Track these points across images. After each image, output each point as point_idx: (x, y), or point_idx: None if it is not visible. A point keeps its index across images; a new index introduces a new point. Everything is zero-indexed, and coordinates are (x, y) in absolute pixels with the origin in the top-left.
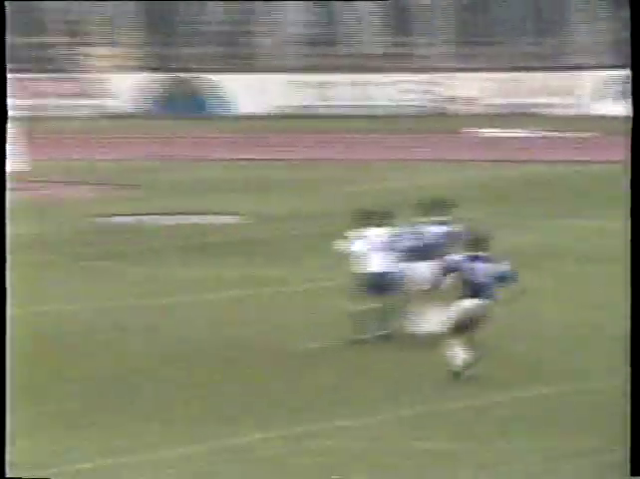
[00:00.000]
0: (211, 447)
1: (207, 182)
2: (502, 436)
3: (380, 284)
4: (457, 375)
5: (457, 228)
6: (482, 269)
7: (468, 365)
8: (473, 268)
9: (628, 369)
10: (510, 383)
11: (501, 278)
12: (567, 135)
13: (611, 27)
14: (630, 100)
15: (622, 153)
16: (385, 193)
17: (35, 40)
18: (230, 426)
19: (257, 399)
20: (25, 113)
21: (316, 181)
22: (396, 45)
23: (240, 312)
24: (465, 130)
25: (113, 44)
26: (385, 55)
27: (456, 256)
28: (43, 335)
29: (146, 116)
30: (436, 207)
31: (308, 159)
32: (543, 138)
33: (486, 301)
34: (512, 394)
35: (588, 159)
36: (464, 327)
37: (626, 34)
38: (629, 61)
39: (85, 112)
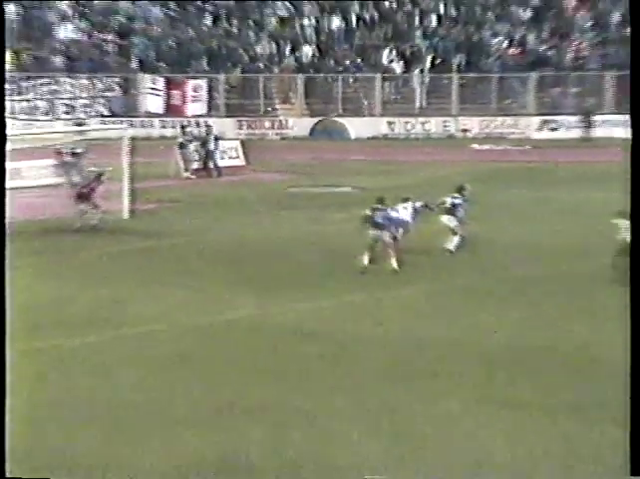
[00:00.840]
0: None
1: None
2: None
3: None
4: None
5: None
6: (382, 216)
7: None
8: (381, 216)
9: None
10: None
11: (396, 223)
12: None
13: None
14: (630, 101)
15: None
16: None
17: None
18: None
19: None
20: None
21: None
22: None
23: None
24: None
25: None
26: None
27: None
28: None
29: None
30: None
31: None
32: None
33: (385, 232)
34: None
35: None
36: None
37: None
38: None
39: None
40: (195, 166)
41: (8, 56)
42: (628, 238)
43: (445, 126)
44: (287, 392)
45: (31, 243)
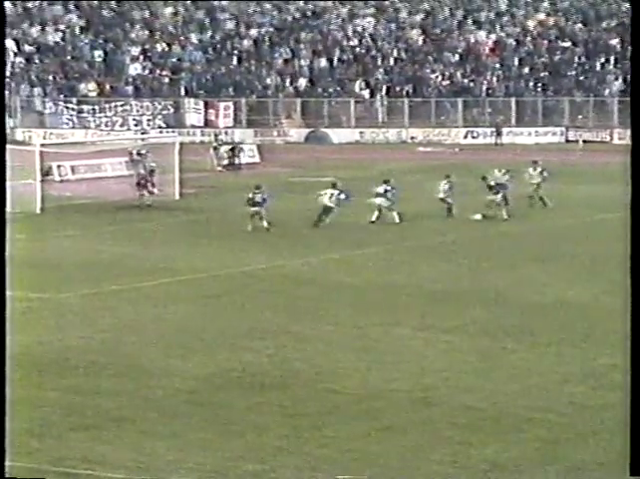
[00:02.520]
0: None
1: None
2: None
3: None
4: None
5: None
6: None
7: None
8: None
9: (628, 370)
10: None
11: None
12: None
13: None
14: (630, 101)
15: None
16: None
17: None
18: None
19: None
20: None
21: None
22: None
23: None
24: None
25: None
26: None
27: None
28: None
29: None
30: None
31: None
32: None
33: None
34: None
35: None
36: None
37: None
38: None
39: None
40: (225, 162)
41: (94, 85)
42: None
43: (399, 134)
44: (287, 321)
45: (111, 216)
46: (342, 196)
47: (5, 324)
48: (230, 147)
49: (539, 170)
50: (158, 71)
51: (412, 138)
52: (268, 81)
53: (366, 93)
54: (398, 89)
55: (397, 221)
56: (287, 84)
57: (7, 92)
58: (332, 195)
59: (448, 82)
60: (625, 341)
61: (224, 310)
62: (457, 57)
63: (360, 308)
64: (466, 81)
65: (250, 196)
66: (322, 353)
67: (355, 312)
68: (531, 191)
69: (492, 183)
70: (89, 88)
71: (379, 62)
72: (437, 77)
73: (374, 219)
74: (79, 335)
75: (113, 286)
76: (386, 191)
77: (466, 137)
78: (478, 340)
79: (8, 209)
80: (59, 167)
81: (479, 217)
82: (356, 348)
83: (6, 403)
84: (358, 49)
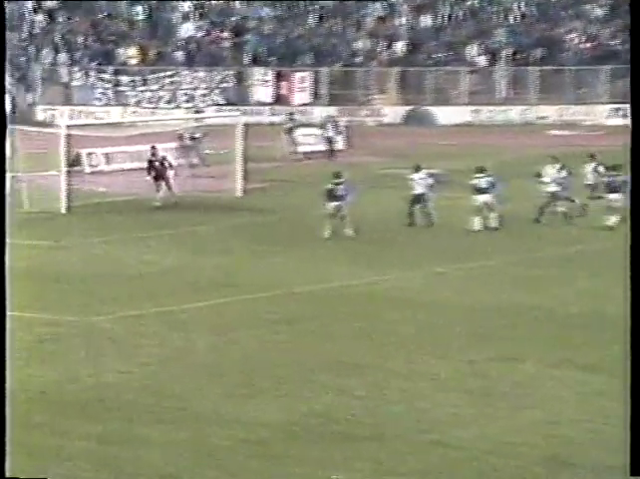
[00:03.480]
0: None
1: None
2: None
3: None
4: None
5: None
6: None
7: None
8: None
9: (628, 369)
10: None
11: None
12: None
13: None
14: (630, 101)
15: None
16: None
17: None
18: None
19: None
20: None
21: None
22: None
23: None
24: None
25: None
26: None
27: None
28: None
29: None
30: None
31: None
32: None
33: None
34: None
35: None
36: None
37: None
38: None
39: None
40: (304, 149)
41: (135, 51)
42: None
43: (524, 113)
44: (381, 353)
45: (155, 218)
46: (430, 180)
47: (5, 323)
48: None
49: None
50: (215, 32)
51: (541, 118)
52: (356, 45)
53: (482, 60)
54: (524, 54)
55: (495, 225)
56: (381, 49)
57: (24, 58)
58: (420, 180)
59: (589, 45)
60: None
61: (300, 339)
62: (601, 11)
63: (474, 338)
64: (613, 43)
65: (328, 187)
66: (426, 395)
67: (467, 343)
68: None
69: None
70: (128, 54)
71: (499, 19)
72: (575, 38)
73: (495, 224)
74: (115, 369)
75: (157, 307)
76: (490, 184)
77: (611, 116)
78: (627, 381)
79: (26, 207)
80: (89, 155)
81: (614, 220)
82: (469, 389)
83: (6, 404)
84: (471, 2)
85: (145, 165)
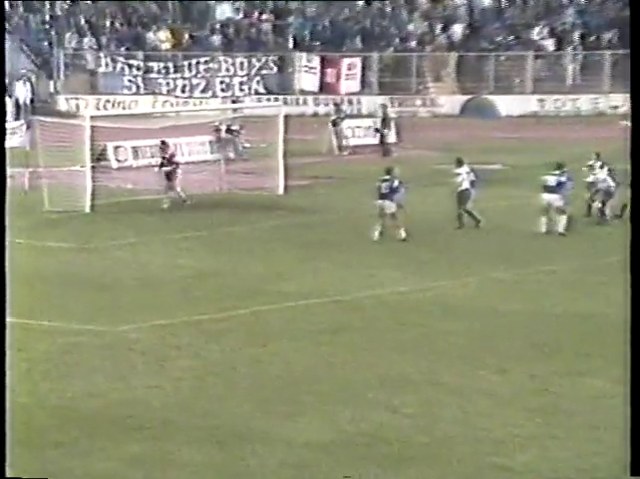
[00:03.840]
0: None
1: None
2: None
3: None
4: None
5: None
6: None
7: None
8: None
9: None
10: None
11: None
12: None
13: None
14: (630, 98)
15: None
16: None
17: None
18: None
19: None
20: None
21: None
22: None
23: None
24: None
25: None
26: None
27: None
28: None
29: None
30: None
31: None
32: None
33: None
34: None
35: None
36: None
37: None
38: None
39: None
40: (352, 142)
41: (166, 35)
42: None
43: (595, 103)
44: (435, 366)
45: (188, 218)
46: (472, 176)
47: (5, 323)
48: (383, 120)
49: None
50: (255, 14)
51: (613, 107)
52: (410, 28)
53: (549, 44)
54: (595, 37)
55: (561, 230)
56: (437, 32)
57: (46, 43)
58: (461, 175)
59: None
60: None
61: (347, 351)
62: None
63: (537, 350)
64: None
65: (378, 184)
66: (484, 414)
67: (530, 355)
68: None
69: None
70: (160, 38)
71: None
72: None
73: (562, 229)
74: (145, 384)
75: (191, 316)
76: (559, 183)
77: None
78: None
79: (46, 206)
80: (117, 148)
81: None
82: (532, 407)
83: (6, 403)
84: None
85: (177, 159)
